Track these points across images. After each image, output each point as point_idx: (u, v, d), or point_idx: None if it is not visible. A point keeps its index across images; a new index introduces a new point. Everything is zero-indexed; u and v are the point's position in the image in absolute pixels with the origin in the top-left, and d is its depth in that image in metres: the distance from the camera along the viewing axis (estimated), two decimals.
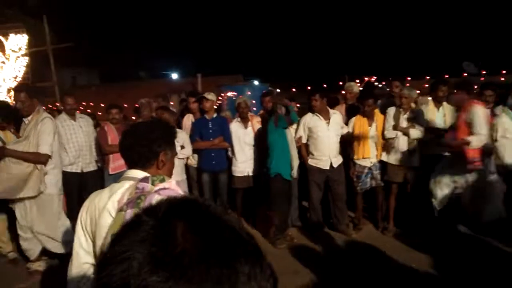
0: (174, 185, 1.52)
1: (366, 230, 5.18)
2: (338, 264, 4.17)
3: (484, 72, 10.34)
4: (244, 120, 5.18)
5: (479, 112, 4.18)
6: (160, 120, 2.17)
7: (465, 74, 9.79)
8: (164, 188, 1.46)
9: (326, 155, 4.94)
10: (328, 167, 4.96)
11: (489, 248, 4.24)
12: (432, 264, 4.05)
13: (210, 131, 5.04)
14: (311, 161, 5.06)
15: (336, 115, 5.06)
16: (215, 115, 5.18)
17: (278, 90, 8.09)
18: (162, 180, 1.50)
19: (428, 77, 9.59)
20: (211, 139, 5.04)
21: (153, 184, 1.49)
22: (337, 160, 5.00)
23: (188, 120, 5.43)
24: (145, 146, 1.67)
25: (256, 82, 14.30)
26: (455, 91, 4.70)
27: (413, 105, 5.12)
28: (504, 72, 13.10)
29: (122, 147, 1.74)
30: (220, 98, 8.38)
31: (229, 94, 8.92)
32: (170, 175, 1.72)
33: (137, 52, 23.51)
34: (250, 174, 5.15)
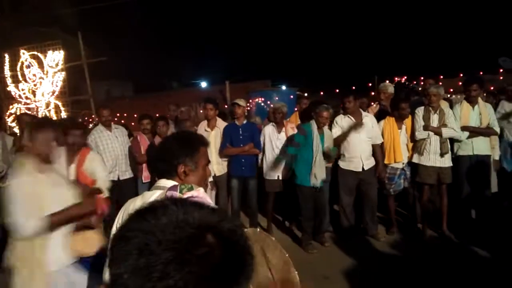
0: (203, 193, 1.56)
1: (398, 234, 5.08)
2: (370, 270, 4.11)
3: None
4: (279, 125, 5.23)
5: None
6: (182, 132, 2.23)
7: (501, 70, 9.39)
8: (193, 197, 1.49)
9: (358, 157, 4.89)
10: (360, 169, 4.90)
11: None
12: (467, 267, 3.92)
13: (241, 137, 5.11)
14: (342, 164, 5.02)
15: (368, 118, 4.99)
16: (245, 121, 5.25)
17: (306, 95, 8.06)
18: (191, 189, 1.55)
19: (461, 75, 9.29)
20: (242, 145, 5.09)
21: (181, 192, 1.54)
22: (369, 163, 4.94)
23: (202, 127, 5.40)
24: (162, 161, 1.76)
25: (284, 87, 14.33)
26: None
27: (444, 104, 5.00)
28: None
29: (148, 161, 1.85)
30: (249, 104, 8.48)
31: (257, 100, 8.98)
32: (200, 183, 1.76)
33: (168, 63, 24.13)
34: (281, 178, 5.16)
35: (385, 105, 5.59)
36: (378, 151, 4.95)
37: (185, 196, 1.50)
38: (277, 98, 8.36)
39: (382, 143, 5.01)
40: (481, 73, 8.05)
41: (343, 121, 5.00)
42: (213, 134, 5.24)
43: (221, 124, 5.36)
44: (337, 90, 9.72)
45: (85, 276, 2.43)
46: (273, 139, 5.18)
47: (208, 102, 5.28)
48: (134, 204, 1.72)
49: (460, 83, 6.11)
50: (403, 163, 5.00)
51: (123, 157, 5.27)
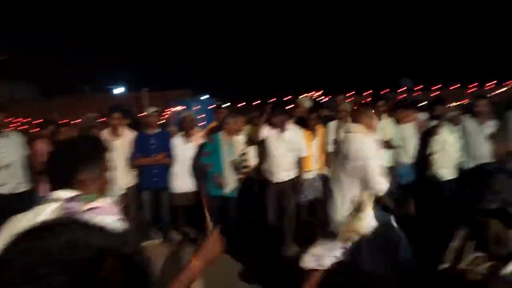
0: (108, 204, 1.47)
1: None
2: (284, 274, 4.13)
3: (419, 87, 11.08)
4: (187, 135, 5.07)
5: None
6: (83, 137, 2.03)
7: (402, 90, 10.37)
8: (97, 208, 1.40)
9: (278, 169, 4.93)
10: (280, 181, 4.94)
11: None
12: None
13: (153, 147, 4.86)
14: (265, 175, 5.04)
15: (292, 131, 5.05)
16: (157, 130, 5.02)
17: (224, 105, 8.07)
18: (93, 199, 1.43)
19: (370, 91, 10.06)
20: (153, 155, 4.85)
21: (82, 203, 1.41)
22: (289, 175, 4.99)
23: (105, 136, 4.99)
24: (60, 168, 1.56)
25: (204, 97, 14.27)
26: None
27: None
28: (434, 87, 14.13)
29: (45, 168, 1.64)
30: (167, 113, 8.22)
31: (177, 108, 8.76)
32: (103, 192, 1.63)
33: (81, 66, 22.57)
34: (191, 190, 5.02)
35: (302, 118, 5.75)
36: (300, 163, 5.04)
37: (87, 207, 1.39)
38: (196, 108, 8.24)
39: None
40: (388, 90, 8.83)
41: (268, 132, 5.02)
42: (119, 143, 4.90)
43: (128, 133, 5.06)
44: (257, 102, 9.93)
45: None
46: (182, 150, 5.02)
47: (115, 111, 4.99)
48: (20, 221, 1.49)
49: (369, 99, 6.58)
50: (314, 175, 5.16)
51: (18, 167, 4.71)
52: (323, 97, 9.34)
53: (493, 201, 1.23)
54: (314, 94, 9.33)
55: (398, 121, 5.52)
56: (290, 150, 4.95)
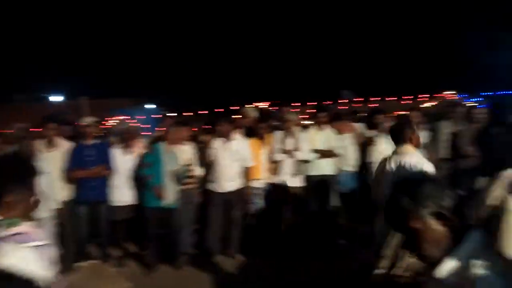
0: (33, 228, 1.44)
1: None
2: None
3: (358, 99, 11.67)
4: (128, 146, 4.89)
5: None
6: (11, 157, 1.92)
7: (343, 101, 10.84)
8: (21, 233, 1.37)
9: (223, 178, 4.90)
10: (226, 191, 4.91)
11: None
12: None
13: (90, 158, 4.61)
14: (210, 185, 4.99)
15: (238, 141, 5.04)
16: (95, 141, 4.78)
17: (171, 115, 7.92)
18: (16, 223, 1.40)
19: (313, 103, 10.39)
20: (91, 167, 4.60)
21: (4, 228, 1.38)
22: (235, 184, 4.97)
23: (39, 148, 4.66)
24: None
25: (149, 106, 13.93)
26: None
27: (297, 128, 5.42)
28: (374, 99, 14.97)
29: None
30: (108, 122, 7.90)
31: (119, 118, 8.43)
32: (28, 215, 1.56)
33: (13, 72, 21.06)
34: (131, 203, 4.83)
35: (250, 128, 5.78)
36: (247, 173, 5.04)
37: (10, 232, 1.36)
38: (140, 117, 8.00)
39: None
40: (330, 102, 9.19)
41: (215, 144, 4.99)
42: (54, 155, 4.60)
43: (64, 144, 4.78)
44: (204, 112, 9.85)
45: None
46: (122, 161, 4.83)
47: (49, 121, 4.70)
48: None
49: (312, 110, 6.77)
50: (262, 183, 5.21)
51: None
52: (270, 108, 9.49)
53: (428, 205, 1.28)
54: (261, 105, 9.45)
55: (339, 131, 5.74)
56: (236, 160, 4.95)
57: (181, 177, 4.63)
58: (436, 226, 1.29)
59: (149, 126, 7.80)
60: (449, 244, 1.29)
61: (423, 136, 5.57)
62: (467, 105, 7.31)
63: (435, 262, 1.30)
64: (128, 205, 4.81)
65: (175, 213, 4.60)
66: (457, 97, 14.09)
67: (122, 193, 4.80)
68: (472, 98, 13.93)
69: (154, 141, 4.98)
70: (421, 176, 1.38)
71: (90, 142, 4.70)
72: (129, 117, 8.25)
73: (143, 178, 4.55)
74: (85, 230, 4.65)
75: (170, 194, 4.51)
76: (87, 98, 10.75)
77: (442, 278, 1.28)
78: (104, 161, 4.64)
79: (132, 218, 4.86)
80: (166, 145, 4.56)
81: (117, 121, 8.30)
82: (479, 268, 1.23)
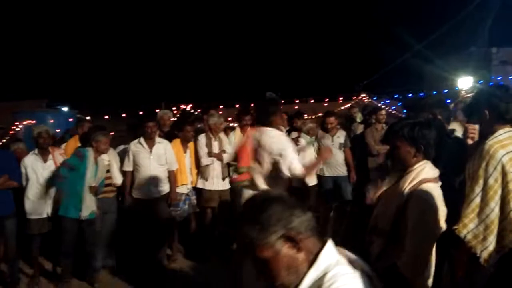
0: None
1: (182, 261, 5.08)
2: None
3: (282, 102, 12.02)
4: (44, 152, 4.46)
5: None
6: None
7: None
8: None
9: (148, 184, 4.70)
10: (151, 197, 4.71)
11: None
12: None
13: None
14: (134, 192, 4.75)
15: (162, 144, 4.85)
16: None
17: (88, 118, 7.39)
18: None
19: (237, 105, 10.46)
20: None
21: None
22: (161, 190, 4.79)
23: None
24: None
25: (64, 109, 12.89)
26: None
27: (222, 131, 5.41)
28: (297, 101, 15.59)
29: None
30: (14, 127, 7.16)
31: (26, 122, 7.69)
32: None
33: None
34: (48, 215, 4.42)
35: (172, 132, 5.62)
36: (172, 177, 4.88)
37: None
38: (52, 121, 7.37)
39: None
40: (253, 105, 9.28)
41: (135, 148, 4.76)
42: None
43: None
44: (124, 115, 9.37)
45: None
46: (37, 170, 4.42)
47: None
48: None
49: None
50: (188, 188, 5.08)
51: None
52: (193, 110, 9.36)
53: (275, 230, 1.13)
54: (184, 106, 9.27)
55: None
56: (161, 165, 4.78)
57: (98, 192, 4.36)
58: (287, 251, 1.15)
59: (60, 130, 7.20)
60: (306, 267, 1.17)
61: (341, 137, 5.93)
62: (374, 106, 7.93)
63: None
64: (44, 218, 4.40)
65: (91, 223, 4.31)
66: (372, 100, 15.25)
67: (38, 205, 4.39)
68: (385, 100, 15.19)
69: (82, 145, 4.59)
70: (266, 196, 1.21)
71: None
72: (38, 121, 7.57)
73: (59, 178, 4.19)
74: None
75: (88, 205, 4.19)
76: None
77: None
78: (8, 171, 4.15)
79: (48, 232, 4.45)
80: (91, 153, 4.22)
81: (23, 126, 7.57)
82: None
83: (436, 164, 2.09)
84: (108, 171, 4.64)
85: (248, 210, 1.20)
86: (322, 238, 1.22)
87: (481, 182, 2.15)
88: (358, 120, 7.21)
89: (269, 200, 1.18)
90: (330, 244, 1.21)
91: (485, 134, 2.29)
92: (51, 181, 4.39)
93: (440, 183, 2.04)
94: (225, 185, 5.16)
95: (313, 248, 1.18)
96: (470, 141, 3.25)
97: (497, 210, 2.12)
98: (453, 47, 17.81)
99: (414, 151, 2.02)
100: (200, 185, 5.12)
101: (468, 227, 2.16)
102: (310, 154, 5.62)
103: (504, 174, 2.11)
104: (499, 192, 2.12)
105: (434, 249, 2.01)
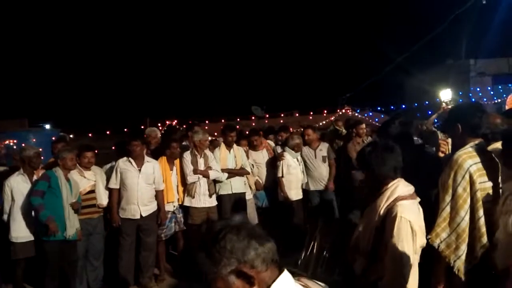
0: None
1: (170, 281, 4.99)
2: None
3: (267, 116, 12.14)
4: (30, 173, 4.40)
5: None
6: None
7: (253, 117, 11.17)
8: None
9: (135, 204, 4.61)
10: (138, 216, 4.63)
11: None
12: None
13: None
14: (121, 212, 4.65)
15: (151, 163, 4.80)
16: None
17: (72, 136, 7.32)
18: None
19: (223, 120, 10.52)
20: None
21: None
22: (149, 209, 4.71)
23: None
24: None
25: (46, 126, 12.74)
26: None
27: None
28: (282, 114, 15.71)
29: None
30: None
31: (8, 142, 7.56)
32: None
33: None
34: (32, 239, 4.34)
35: (158, 149, 5.58)
36: (160, 196, 4.83)
37: None
38: (34, 140, 7.27)
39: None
40: (238, 119, 9.36)
41: (123, 165, 4.69)
42: None
43: None
44: (108, 132, 9.31)
45: None
46: (24, 191, 4.34)
47: None
48: None
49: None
50: (174, 206, 5.03)
51: None
52: (178, 126, 9.34)
53: (229, 263, 1.08)
54: (169, 122, 9.26)
55: (253, 148, 5.91)
56: (149, 184, 4.73)
57: (78, 211, 4.30)
58: (239, 284, 1.09)
59: (42, 149, 7.05)
60: None
61: (323, 150, 5.99)
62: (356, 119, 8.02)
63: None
64: (29, 241, 4.31)
65: (77, 245, 4.24)
66: (356, 112, 15.47)
67: (24, 228, 4.31)
68: (368, 112, 15.43)
69: (48, 166, 4.53)
70: (224, 225, 1.14)
71: None
72: (19, 141, 7.45)
73: (35, 209, 4.11)
74: None
75: (70, 226, 4.12)
76: None
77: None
78: None
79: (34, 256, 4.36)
80: (60, 172, 4.16)
81: (4, 145, 7.44)
82: None
83: (410, 180, 2.13)
84: (93, 191, 4.58)
85: (203, 240, 1.14)
86: (280, 268, 1.17)
87: (450, 191, 2.21)
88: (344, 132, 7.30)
89: (225, 229, 1.12)
90: (285, 275, 1.16)
91: (457, 147, 2.36)
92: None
93: (418, 199, 2.09)
94: (212, 201, 5.13)
95: (268, 280, 1.13)
96: (441, 154, 3.33)
97: (467, 218, 2.17)
98: (431, 60, 18.30)
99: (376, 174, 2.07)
100: (187, 202, 5.07)
101: (440, 236, 2.21)
102: (297, 173, 5.68)
103: (472, 183, 2.17)
104: (468, 201, 2.17)
105: (416, 264, 2.03)
